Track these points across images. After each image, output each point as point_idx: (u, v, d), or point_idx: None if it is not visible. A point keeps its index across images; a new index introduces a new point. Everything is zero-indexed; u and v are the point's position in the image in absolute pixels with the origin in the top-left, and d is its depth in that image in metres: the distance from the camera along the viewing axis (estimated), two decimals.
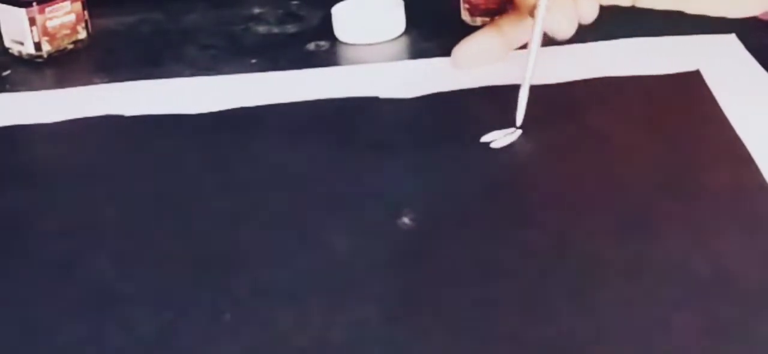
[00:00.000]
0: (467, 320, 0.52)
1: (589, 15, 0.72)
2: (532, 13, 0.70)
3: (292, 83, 0.79)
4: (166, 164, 0.69)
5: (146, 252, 0.60)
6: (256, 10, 0.95)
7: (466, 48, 0.77)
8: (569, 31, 0.72)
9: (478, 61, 0.76)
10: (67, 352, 0.53)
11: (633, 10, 0.73)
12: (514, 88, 0.70)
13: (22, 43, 0.87)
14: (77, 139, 0.74)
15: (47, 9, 0.86)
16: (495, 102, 0.72)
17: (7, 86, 0.84)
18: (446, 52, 0.81)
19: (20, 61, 0.87)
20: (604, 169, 0.64)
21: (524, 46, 0.74)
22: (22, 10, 0.85)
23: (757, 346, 0.49)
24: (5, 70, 0.87)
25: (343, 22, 0.86)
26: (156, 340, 0.53)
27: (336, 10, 0.87)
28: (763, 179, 0.61)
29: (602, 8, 0.73)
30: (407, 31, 0.86)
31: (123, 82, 0.82)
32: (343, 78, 0.80)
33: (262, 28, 0.91)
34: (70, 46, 0.88)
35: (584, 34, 0.76)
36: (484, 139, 0.68)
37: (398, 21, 0.86)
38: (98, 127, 0.75)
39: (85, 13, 0.89)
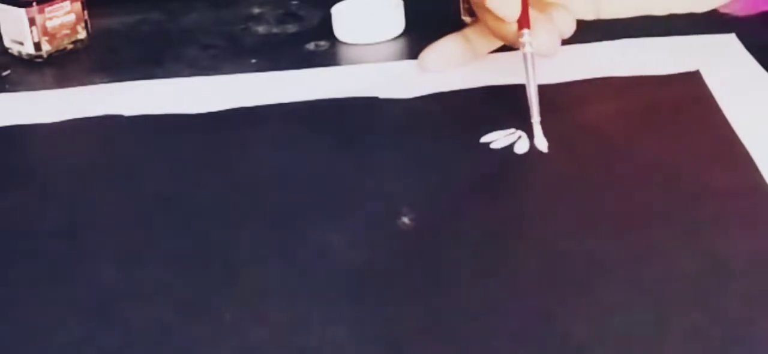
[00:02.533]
0: (467, 320, 0.52)
1: (568, 29, 0.73)
2: (499, 36, 0.71)
3: (292, 83, 0.79)
4: (166, 164, 0.69)
5: (146, 252, 0.60)
6: (256, 10, 0.95)
7: (432, 52, 0.78)
8: (553, 49, 0.71)
9: (443, 65, 0.78)
10: (67, 352, 0.53)
11: (598, 23, 0.73)
12: (515, 88, 0.70)
13: (22, 43, 0.87)
14: (77, 139, 0.74)
15: (47, 9, 0.86)
16: (495, 102, 0.72)
17: (7, 86, 0.84)
18: None
19: (20, 61, 0.87)
20: (603, 169, 0.64)
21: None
22: (22, 10, 0.85)
23: (757, 346, 0.49)
24: (5, 70, 0.87)
25: (343, 22, 0.86)
26: (156, 340, 0.53)
27: (336, 10, 0.87)
28: (763, 179, 0.61)
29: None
30: (407, 31, 0.86)
31: (123, 82, 0.82)
32: (343, 78, 0.80)
33: (262, 28, 0.91)
34: (70, 46, 0.88)
35: (584, 34, 0.76)
36: (484, 139, 0.68)
37: (398, 21, 0.86)
38: (98, 127, 0.75)
39: (85, 13, 0.89)
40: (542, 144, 0.66)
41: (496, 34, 0.72)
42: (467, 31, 0.78)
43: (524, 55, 0.69)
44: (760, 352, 0.49)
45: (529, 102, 0.67)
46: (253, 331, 0.53)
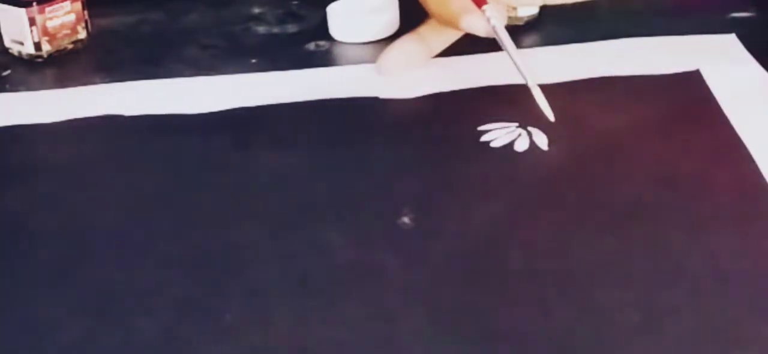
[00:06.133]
0: (467, 320, 0.52)
1: None
2: (444, 21, 0.72)
3: (292, 83, 0.79)
4: (166, 164, 0.69)
5: (146, 252, 0.60)
6: (256, 10, 0.95)
7: (389, 56, 0.78)
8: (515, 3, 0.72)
9: (402, 67, 0.78)
10: (67, 352, 0.53)
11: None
12: (514, 88, 0.70)
13: (22, 43, 0.87)
14: (77, 139, 0.74)
15: (47, 9, 0.86)
16: (495, 101, 0.72)
17: (7, 86, 0.84)
18: (445, 52, 0.81)
19: (20, 61, 0.87)
20: (604, 168, 0.64)
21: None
22: (22, 10, 0.85)
23: (756, 346, 0.49)
24: (5, 70, 0.87)
25: (338, 21, 0.86)
26: (156, 340, 0.53)
27: (331, 10, 0.87)
28: (763, 179, 0.61)
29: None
30: (402, 30, 0.86)
31: (123, 82, 0.82)
32: (343, 78, 0.80)
33: (262, 28, 0.91)
34: (70, 46, 0.88)
35: (584, 33, 0.76)
36: (484, 138, 0.68)
37: (392, 20, 0.86)
38: (98, 127, 0.75)
39: (85, 13, 0.89)
40: (548, 113, 0.68)
41: (442, 21, 0.73)
42: (421, 29, 0.78)
43: (493, 29, 0.70)
44: (759, 352, 0.49)
45: (520, 71, 0.69)
46: (253, 331, 0.53)
